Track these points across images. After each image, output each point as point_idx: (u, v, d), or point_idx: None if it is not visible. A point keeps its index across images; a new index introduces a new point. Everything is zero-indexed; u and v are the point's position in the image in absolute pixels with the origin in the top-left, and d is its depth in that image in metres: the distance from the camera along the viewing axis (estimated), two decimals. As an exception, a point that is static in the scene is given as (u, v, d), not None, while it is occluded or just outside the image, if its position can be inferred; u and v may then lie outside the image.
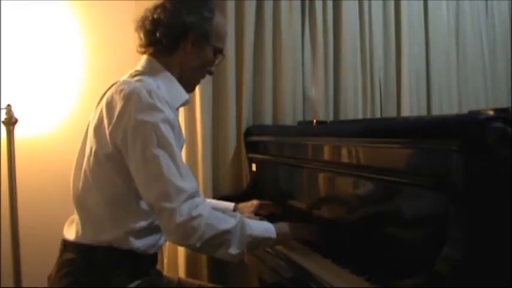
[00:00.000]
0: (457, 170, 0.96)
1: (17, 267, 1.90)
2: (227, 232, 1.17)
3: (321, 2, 2.27)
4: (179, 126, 1.27)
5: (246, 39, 2.09)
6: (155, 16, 1.28)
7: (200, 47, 1.31)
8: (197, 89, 1.99)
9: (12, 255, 1.90)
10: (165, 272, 1.95)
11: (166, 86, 1.26)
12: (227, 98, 2.07)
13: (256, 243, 1.26)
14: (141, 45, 1.32)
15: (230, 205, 1.67)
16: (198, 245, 1.13)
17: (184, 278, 1.82)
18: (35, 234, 1.96)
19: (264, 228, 1.29)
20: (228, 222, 1.19)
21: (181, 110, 2.00)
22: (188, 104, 1.46)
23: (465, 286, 0.90)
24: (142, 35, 1.31)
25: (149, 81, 1.22)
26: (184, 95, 1.34)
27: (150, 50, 1.31)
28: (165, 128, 1.15)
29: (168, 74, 1.30)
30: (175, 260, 2.03)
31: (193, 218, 1.12)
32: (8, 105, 1.90)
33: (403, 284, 1.00)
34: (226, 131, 2.08)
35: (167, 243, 2.03)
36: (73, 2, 2.09)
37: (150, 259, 1.32)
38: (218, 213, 1.22)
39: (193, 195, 1.14)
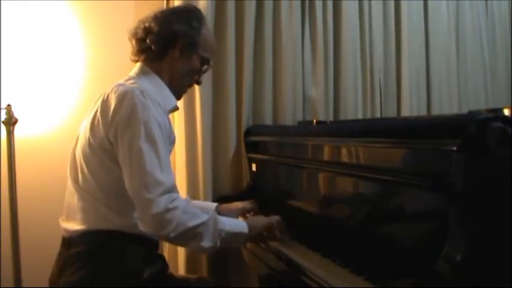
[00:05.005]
0: (457, 170, 0.96)
1: (17, 267, 1.90)
2: (200, 226, 1.23)
3: (321, 2, 2.27)
4: (170, 129, 1.35)
5: (246, 39, 2.09)
6: (146, 25, 1.38)
7: (187, 55, 1.40)
8: (197, 89, 2.00)
9: (12, 255, 1.90)
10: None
11: (158, 90, 1.35)
12: (227, 98, 2.07)
13: (229, 238, 1.31)
14: (133, 53, 1.42)
15: (212, 205, 1.70)
16: (171, 235, 1.19)
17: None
18: (35, 234, 1.96)
19: (235, 224, 1.36)
20: (201, 217, 1.25)
21: (181, 109, 2.00)
22: (177, 110, 1.53)
23: (465, 286, 0.90)
24: (134, 43, 1.40)
25: (142, 84, 1.31)
26: (174, 101, 1.43)
27: (142, 57, 1.40)
28: (153, 126, 1.23)
29: (158, 80, 1.39)
30: (175, 258, 2.03)
31: (168, 210, 1.18)
32: (8, 105, 1.89)
33: (403, 284, 1.00)
34: (226, 131, 2.08)
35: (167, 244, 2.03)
36: (73, 2, 2.09)
37: (157, 246, 1.39)
38: (193, 209, 1.28)
39: (170, 190, 1.21)
